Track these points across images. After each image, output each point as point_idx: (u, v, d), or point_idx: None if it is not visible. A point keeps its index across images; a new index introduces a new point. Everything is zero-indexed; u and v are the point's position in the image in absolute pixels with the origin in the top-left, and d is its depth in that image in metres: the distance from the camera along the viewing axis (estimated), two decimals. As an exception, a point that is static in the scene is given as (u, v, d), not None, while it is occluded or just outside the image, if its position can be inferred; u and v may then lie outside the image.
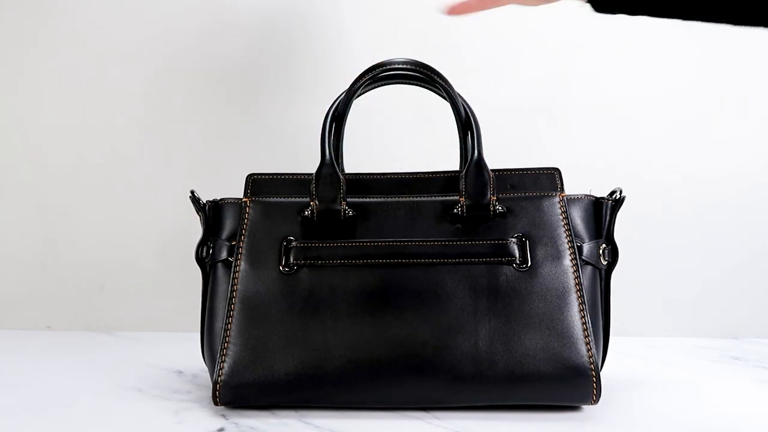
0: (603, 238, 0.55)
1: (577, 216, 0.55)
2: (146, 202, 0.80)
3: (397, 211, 0.54)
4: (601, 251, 0.54)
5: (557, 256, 0.52)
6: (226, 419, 0.49)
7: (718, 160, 0.80)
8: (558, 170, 0.56)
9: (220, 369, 0.49)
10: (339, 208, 0.53)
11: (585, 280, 0.53)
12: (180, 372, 0.62)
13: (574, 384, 0.49)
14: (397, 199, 0.55)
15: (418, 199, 0.55)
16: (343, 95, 0.56)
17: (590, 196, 0.55)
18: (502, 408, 0.50)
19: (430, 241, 0.52)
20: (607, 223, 0.55)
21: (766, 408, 0.54)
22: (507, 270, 0.52)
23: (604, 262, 0.54)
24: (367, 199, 0.55)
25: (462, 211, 0.53)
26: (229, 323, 0.51)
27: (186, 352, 0.68)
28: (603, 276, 0.55)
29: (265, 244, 0.53)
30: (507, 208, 0.54)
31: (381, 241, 0.52)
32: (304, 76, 0.80)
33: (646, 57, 0.80)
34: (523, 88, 0.80)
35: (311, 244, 0.53)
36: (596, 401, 0.49)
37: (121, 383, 0.58)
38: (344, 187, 0.54)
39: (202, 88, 0.80)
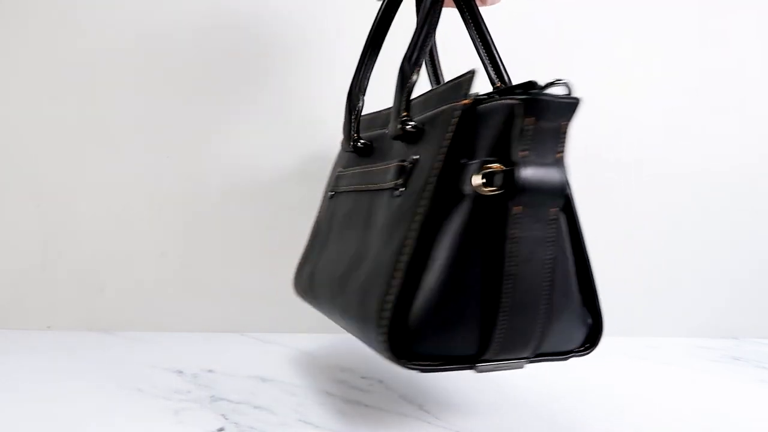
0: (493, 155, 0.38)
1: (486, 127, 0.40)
2: (146, 202, 0.80)
3: (377, 143, 0.55)
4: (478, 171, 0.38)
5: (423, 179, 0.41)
6: (226, 419, 0.49)
7: (718, 159, 0.80)
8: (472, 72, 0.41)
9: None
10: (355, 140, 0.57)
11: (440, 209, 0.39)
12: (180, 372, 0.62)
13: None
14: (381, 131, 0.55)
15: (384, 131, 0.54)
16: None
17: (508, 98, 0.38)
18: (502, 408, 0.50)
19: (356, 171, 0.56)
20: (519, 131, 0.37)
21: (766, 408, 0.54)
22: (386, 196, 0.47)
23: (473, 185, 0.38)
24: (370, 133, 0.57)
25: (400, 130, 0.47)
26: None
27: (186, 352, 0.68)
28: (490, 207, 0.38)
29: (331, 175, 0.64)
30: (416, 128, 0.46)
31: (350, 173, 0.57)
32: (304, 71, 0.80)
33: (646, 55, 0.80)
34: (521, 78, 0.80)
35: (341, 173, 0.60)
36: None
37: (121, 383, 0.58)
38: (358, 122, 0.57)
39: (203, 87, 0.80)
